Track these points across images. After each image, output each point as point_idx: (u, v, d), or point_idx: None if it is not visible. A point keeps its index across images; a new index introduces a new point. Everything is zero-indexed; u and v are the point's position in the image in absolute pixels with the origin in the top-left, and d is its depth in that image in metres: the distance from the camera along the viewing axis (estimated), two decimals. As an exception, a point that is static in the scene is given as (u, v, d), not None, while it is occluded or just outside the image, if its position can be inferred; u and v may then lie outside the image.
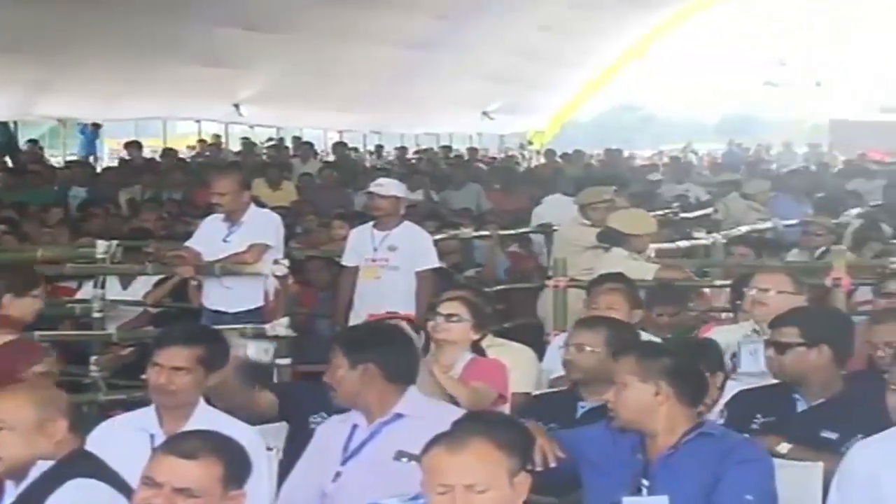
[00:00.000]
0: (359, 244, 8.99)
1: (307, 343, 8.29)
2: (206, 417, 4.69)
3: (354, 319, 8.37)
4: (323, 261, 9.97)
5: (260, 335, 7.72)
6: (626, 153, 27.62)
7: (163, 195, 14.70)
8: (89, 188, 15.42)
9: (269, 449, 4.86)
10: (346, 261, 9.05)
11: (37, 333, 6.90)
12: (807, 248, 9.89)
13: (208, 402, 4.85)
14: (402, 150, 26.94)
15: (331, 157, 22.54)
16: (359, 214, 10.63)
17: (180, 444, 3.63)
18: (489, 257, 11.08)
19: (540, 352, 6.77)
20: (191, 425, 4.58)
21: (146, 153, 21.75)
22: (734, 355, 5.80)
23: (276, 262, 8.34)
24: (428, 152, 26.67)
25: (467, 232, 11.21)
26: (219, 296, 8.36)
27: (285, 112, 26.91)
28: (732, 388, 5.33)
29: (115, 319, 9.08)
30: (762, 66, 58.39)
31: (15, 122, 22.54)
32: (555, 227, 10.66)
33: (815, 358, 4.93)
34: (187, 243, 8.62)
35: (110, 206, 13.52)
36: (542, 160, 25.60)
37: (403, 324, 5.28)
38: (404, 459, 4.41)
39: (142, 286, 9.43)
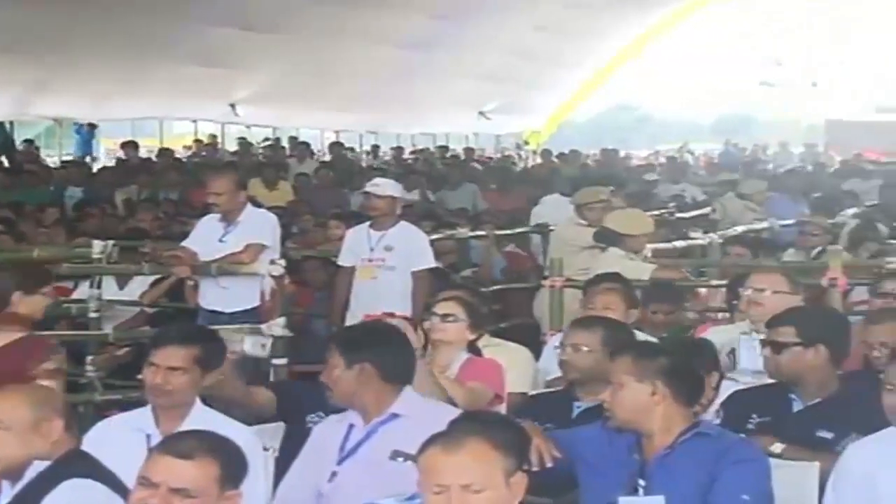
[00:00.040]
0: (355, 244, 8.99)
1: (303, 343, 8.28)
2: (202, 417, 4.68)
3: (351, 319, 8.37)
4: (319, 261, 9.97)
5: (256, 334, 7.71)
6: (622, 153, 27.62)
7: (159, 195, 14.70)
8: (85, 188, 15.43)
9: (265, 449, 4.86)
10: (343, 261, 9.05)
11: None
12: (803, 248, 9.89)
13: (204, 402, 4.84)
14: (399, 150, 26.95)
15: (327, 157, 22.54)
16: (355, 214, 10.62)
17: (176, 445, 3.63)
18: (485, 257, 11.08)
19: (536, 352, 6.77)
20: (187, 425, 4.58)
21: (142, 153, 21.75)
22: (731, 352, 5.80)
23: (272, 262, 8.34)
24: (424, 152, 26.67)
25: (463, 232, 11.21)
26: (215, 296, 8.36)
27: (282, 112, 26.91)
28: (728, 388, 5.33)
29: (112, 319, 9.08)
30: (758, 66, 58.43)
31: (11, 122, 22.53)
32: (551, 227, 10.66)
33: (811, 358, 4.93)
34: (183, 243, 8.62)
35: (106, 206, 13.51)
36: (539, 160, 25.60)
37: (405, 323, 5.28)
38: (400, 459, 4.41)
39: (138, 286, 9.43)
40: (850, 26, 56.65)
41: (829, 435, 4.76)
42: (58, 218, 12.25)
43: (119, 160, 20.70)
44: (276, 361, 7.70)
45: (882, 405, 4.30)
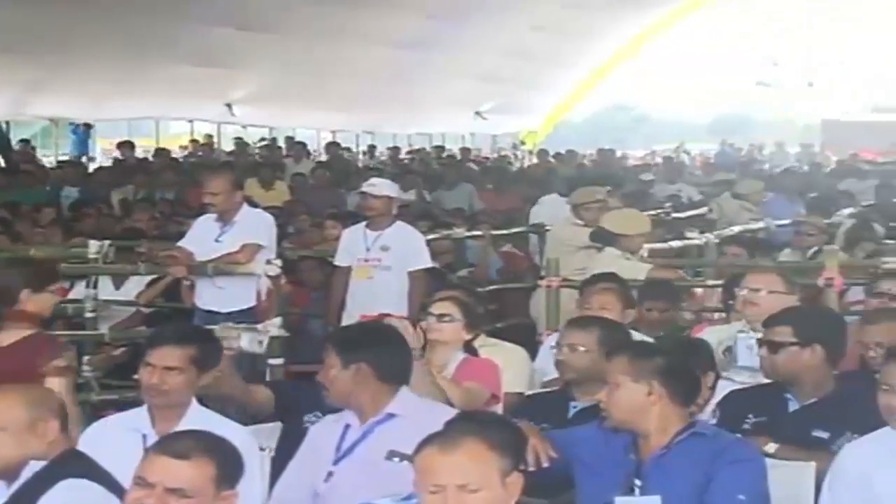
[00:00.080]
0: (351, 244, 8.99)
1: (300, 343, 8.27)
2: (198, 418, 4.68)
3: (347, 319, 8.37)
4: (315, 261, 9.97)
5: (253, 330, 7.71)
6: (618, 153, 27.63)
7: (155, 195, 14.69)
8: (81, 188, 15.41)
9: (261, 449, 4.85)
10: (339, 261, 9.05)
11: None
12: (799, 248, 9.89)
13: (201, 402, 4.84)
14: (395, 150, 26.95)
15: (323, 157, 22.53)
16: (351, 214, 10.62)
17: (173, 445, 3.63)
18: (482, 257, 11.08)
19: (532, 352, 6.77)
20: (183, 425, 4.57)
21: (139, 153, 21.75)
22: (727, 350, 5.80)
23: (268, 262, 8.34)
24: (421, 152, 26.68)
25: (460, 232, 11.20)
26: (211, 296, 8.36)
27: (278, 112, 26.93)
28: (725, 388, 5.33)
29: (108, 319, 9.07)
30: (755, 66, 58.50)
31: (7, 122, 22.52)
32: (547, 227, 10.66)
33: (807, 357, 4.93)
34: (180, 243, 8.61)
35: (102, 205, 13.51)
36: (535, 160, 25.61)
37: (405, 323, 5.28)
38: (396, 459, 4.41)
39: (134, 286, 9.42)
40: (846, 26, 56.70)
41: (825, 435, 4.77)
42: (54, 218, 12.23)
43: (116, 160, 20.69)
44: (272, 361, 7.69)
45: (878, 405, 4.31)
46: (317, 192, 15.45)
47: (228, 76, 24.73)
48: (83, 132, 24.13)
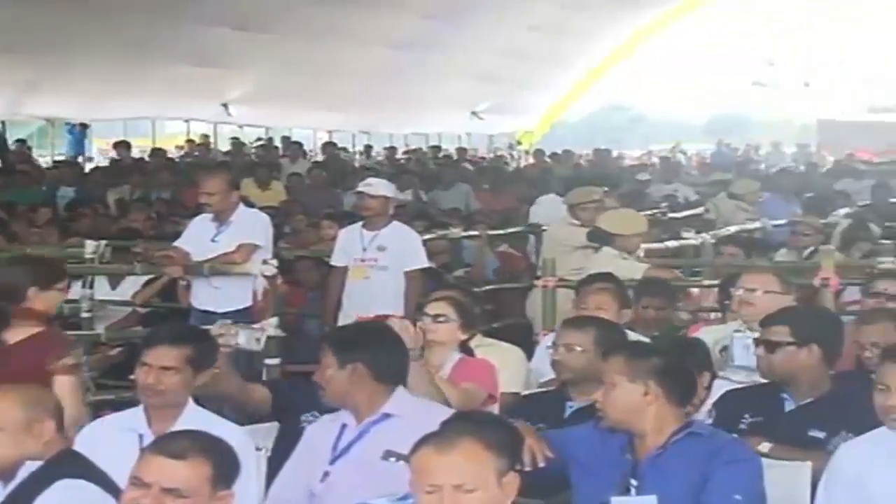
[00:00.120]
0: (348, 244, 8.99)
1: (296, 343, 8.28)
2: (194, 417, 4.68)
3: (343, 319, 8.37)
4: (312, 261, 9.97)
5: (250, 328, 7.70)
6: (615, 153, 27.63)
7: (151, 195, 14.69)
8: (77, 188, 15.41)
9: (257, 449, 4.85)
10: (335, 261, 9.05)
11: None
12: (795, 248, 9.90)
13: (197, 402, 4.84)
14: (392, 150, 26.94)
15: (320, 157, 22.52)
16: (348, 214, 10.62)
17: (169, 445, 3.63)
18: (478, 257, 11.08)
19: (529, 352, 6.77)
20: (179, 425, 4.57)
21: (135, 153, 21.73)
22: (724, 349, 5.80)
23: (264, 261, 8.34)
24: (417, 152, 26.67)
25: (456, 232, 11.21)
26: (207, 296, 8.36)
27: (274, 112, 26.91)
28: (721, 387, 5.33)
29: (104, 319, 9.07)
30: (751, 66, 58.54)
31: (3, 122, 22.53)
32: (544, 227, 10.66)
33: (804, 357, 4.94)
34: (176, 243, 8.61)
35: (99, 205, 13.51)
36: (531, 160, 25.61)
37: (406, 323, 5.28)
38: (392, 459, 4.42)
39: (130, 286, 9.42)
40: (843, 26, 56.71)
41: (821, 434, 4.77)
42: (50, 218, 12.23)
43: (112, 160, 20.68)
44: (268, 361, 7.70)
45: (874, 405, 4.31)
46: (313, 192, 15.45)
47: (225, 76, 24.71)
48: (79, 132, 24.12)
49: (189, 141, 26.36)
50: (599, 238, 8.68)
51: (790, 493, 4.56)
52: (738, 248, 9.60)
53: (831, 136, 35.46)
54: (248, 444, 4.66)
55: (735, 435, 4.67)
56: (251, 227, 8.49)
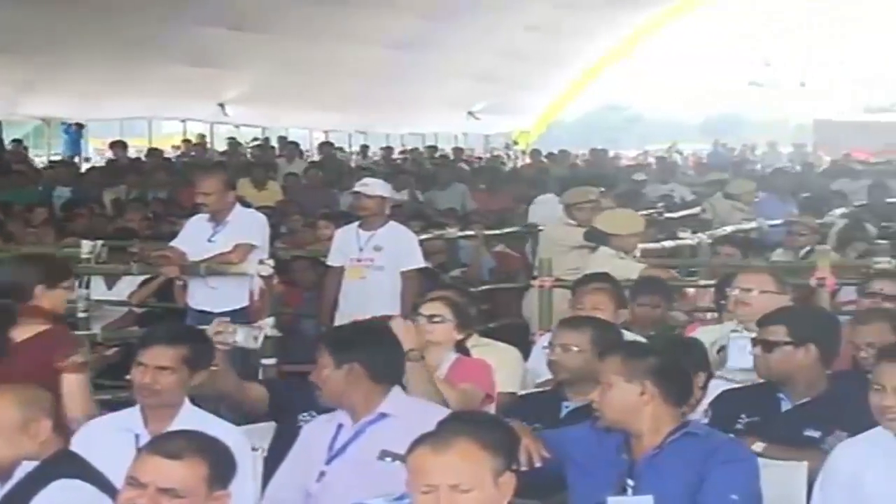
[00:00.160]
0: (344, 244, 8.99)
1: (292, 343, 8.28)
2: (190, 417, 4.68)
3: (340, 319, 8.36)
4: (308, 261, 9.97)
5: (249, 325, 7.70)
6: (611, 153, 27.64)
7: (148, 195, 14.67)
8: (74, 188, 15.41)
9: (254, 449, 4.85)
10: (332, 261, 9.04)
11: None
12: (791, 248, 9.91)
13: (193, 402, 4.84)
14: (388, 150, 26.94)
15: (316, 157, 22.52)
16: (344, 214, 10.62)
17: (165, 445, 3.63)
18: (474, 257, 11.08)
19: (525, 352, 6.77)
20: (176, 425, 4.57)
21: (131, 153, 21.72)
22: (721, 349, 5.80)
23: (261, 261, 8.34)
24: (413, 152, 26.67)
25: (452, 232, 11.21)
26: (204, 296, 8.35)
27: (271, 112, 26.91)
28: (717, 387, 5.33)
29: (100, 319, 9.07)
30: (747, 66, 58.60)
31: (-1, 122, 22.51)
32: (540, 228, 10.66)
33: (801, 357, 4.94)
34: (172, 243, 8.60)
35: (95, 205, 13.49)
36: (528, 160, 25.61)
37: (409, 323, 5.29)
38: (388, 459, 4.42)
39: (126, 286, 9.42)
40: (839, 27, 56.79)
41: (816, 434, 4.78)
42: (46, 218, 12.22)
43: (108, 160, 20.67)
44: (265, 361, 7.70)
45: (870, 405, 4.31)
46: (309, 192, 15.44)
47: (221, 76, 24.71)
48: (75, 132, 24.11)
49: (185, 141, 26.36)
50: (596, 238, 8.68)
51: (786, 492, 4.56)
52: (734, 248, 9.60)
53: (828, 137, 35.46)
54: (245, 443, 4.66)
55: (731, 435, 4.67)
56: (247, 227, 8.49)
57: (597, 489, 4.22)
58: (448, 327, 5.81)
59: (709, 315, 7.67)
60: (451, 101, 30.78)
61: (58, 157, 22.29)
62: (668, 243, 10.10)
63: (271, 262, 8.43)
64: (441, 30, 26.46)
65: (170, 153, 23.96)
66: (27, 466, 3.99)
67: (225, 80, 25.09)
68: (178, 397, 4.77)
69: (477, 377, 5.74)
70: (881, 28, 52.01)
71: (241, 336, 5.25)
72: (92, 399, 5.35)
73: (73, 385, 5.31)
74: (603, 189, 11.35)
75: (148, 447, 3.71)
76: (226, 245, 8.36)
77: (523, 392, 6.01)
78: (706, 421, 4.88)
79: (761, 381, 5.11)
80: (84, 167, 20.34)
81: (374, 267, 8.82)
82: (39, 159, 22.21)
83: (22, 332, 5.50)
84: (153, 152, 20.84)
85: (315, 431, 4.70)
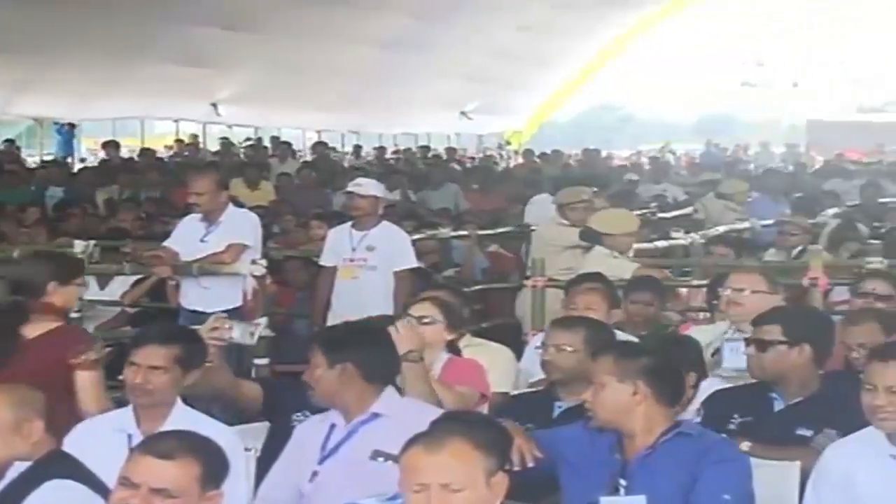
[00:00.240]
0: (337, 244, 8.99)
1: (285, 343, 8.27)
2: (183, 417, 4.68)
3: (332, 319, 8.36)
4: (301, 261, 9.96)
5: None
6: (604, 153, 27.65)
7: (140, 195, 14.66)
8: (66, 188, 15.38)
9: (246, 449, 4.85)
10: (325, 261, 9.04)
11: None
12: (783, 248, 9.91)
13: (186, 402, 4.84)
14: (381, 150, 26.94)
15: (309, 157, 22.52)
16: (337, 214, 10.62)
17: (157, 445, 3.63)
18: (467, 257, 11.08)
19: (518, 352, 6.77)
20: (168, 425, 4.57)
21: (124, 153, 21.70)
22: (716, 352, 5.81)
23: (253, 261, 8.34)
24: (406, 152, 26.67)
25: (445, 232, 11.21)
26: (197, 296, 8.34)
27: (264, 112, 26.90)
28: (711, 387, 5.33)
29: (93, 319, 9.05)
30: (740, 66, 58.65)
31: (-8, 122, 22.49)
32: (532, 228, 10.66)
33: (795, 357, 4.95)
34: (165, 243, 8.60)
35: (87, 205, 13.47)
36: (521, 160, 25.61)
37: (408, 325, 5.29)
38: (381, 459, 4.42)
39: (119, 286, 9.41)
40: (832, 27, 56.83)
41: (808, 433, 4.79)
42: (38, 218, 12.19)
43: (101, 160, 20.65)
44: (257, 361, 7.69)
45: (862, 405, 4.32)
46: (302, 192, 15.43)
47: (214, 76, 24.69)
48: (68, 132, 24.08)
49: (178, 141, 26.34)
50: (591, 237, 8.68)
51: (779, 492, 4.56)
52: (728, 248, 9.61)
53: (820, 137, 35.55)
54: (237, 443, 4.66)
55: (724, 435, 4.68)
56: (240, 227, 8.48)
57: (589, 489, 4.22)
58: (438, 328, 5.80)
59: (701, 315, 7.68)
60: (444, 101, 30.79)
61: (50, 157, 22.26)
62: (661, 243, 10.11)
63: (264, 262, 8.43)
64: (434, 30, 26.47)
65: (162, 153, 23.94)
66: (19, 467, 3.99)
67: (218, 80, 25.08)
68: (171, 397, 4.77)
69: (471, 378, 5.74)
70: (874, 28, 52.10)
71: (238, 332, 5.24)
72: (106, 395, 5.33)
73: (87, 382, 5.33)
74: (596, 189, 11.36)
75: (140, 447, 3.70)
76: (218, 245, 8.35)
77: (516, 392, 6.01)
78: (699, 420, 4.88)
79: (754, 381, 5.11)
80: (77, 167, 20.31)
81: (366, 267, 8.81)
82: (32, 159, 22.17)
83: (33, 329, 5.51)
84: (146, 152, 20.82)
85: (308, 431, 4.70)
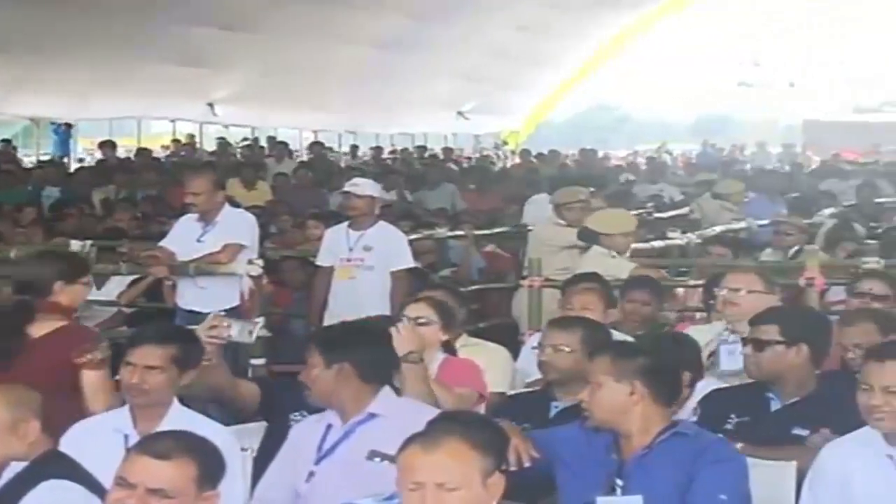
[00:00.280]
0: (334, 244, 8.99)
1: (282, 343, 8.28)
2: (179, 418, 4.68)
3: (329, 319, 8.36)
4: (298, 261, 9.96)
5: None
6: (600, 153, 27.66)
7: (137, 195, 14.65)
8: (63, 188, 15.37)
9: (243, 449, 4.85)
10: (321, 261, 9.04)
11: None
12: (780, 248, 9.92)
13: (182, 402, 4.84)
14: (378, 149, 26.94)
15: (306, 157, 22.52)
16: (334, 214, 10.62)
17: (154, 445, 3.62)
18: (464, 257, 11.09)
19: (514, 352, 6.77)
20: (164, 425, 4.57)
21: (120, 153, 21.69)
22: (712, 354, 5.81)
23: (250, 261, 8.33)
24: (403, 152, 26.67)
25: (442, 232, 11.21)
26: (193, 296, 8.34)
27: (260, 112, 26.88)
28: (707, 386, 5.32)
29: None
30: (737, 66, 58.70)
31: (-12, 122, 22.47)
32: (529, 228, 10.67)
33: (793, 357, 4.96)
34: (161, 243, 8.59)
35: (84, 205, 13.46)
36: (517, 160, 25.62)
37: (410, 326, 5.29)
38: (377, 459, 4.42)
39: (116, 286, 9.41)
40: (829, 28, 56.90)
41: (805, 433, 4.79)
42: (35, 218, 12.19)
43: (97, 160, 20.64)
44: (254, 361, 7.69)
45: (858, 405, 4.32)
46: (299, 192, 15.43)
47: (210, 76, 24.68)
48: (64, 132, 24.06)
49: (175, 141, 26.34)
50: (589, 237, 8.68)
51: (775, 492, 4.57)
52: (725, 249, 9.61)
53: (817, 137, 35.57)
54: (234, 444, 4.66)
55: (721, 435, 4.68)
56: (237, 227, 8.48)
57: (586, 489, 4.22)
58: (433, 329, 5.80)
59: (697, 315, 7.68)
60: (441, 101, 30.79)
61: (47, 157, 22.25)
62: (658, 243, 10.11)
63: (261, 262, 8.43)
64: (431, 30, 26.47)
65: (159, 153, 23.93)
66: (16, 467, 3.98)
67: (214, 80, 25.06)
68: (167, 397, 4.77)
69: (467, 377, 5.74)
70: (871, 29, 52.16)
71: (236, 330, 5.24)
72: (114, 394, 5.34)
73: (94, 381, 5.34)
74: (593, 189, 11.36)
75: (137, 447, 3.70)
76: (215, 245, 8.35)
77: (512, 392, 6.02)
78: (694, 419, 4.88)
79: (750, 381, 5.12)
80: (74, 167, 20.30)
81: (363, 267, 8.81)
82: (28, 159, 22.15)
83: (40, 328, 5.51)
84: (142, 152, 20.80)
85: (304, 431, 4.70)
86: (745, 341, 5.14)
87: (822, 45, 57.18)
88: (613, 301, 6.74)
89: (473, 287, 10.26)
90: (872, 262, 7.94)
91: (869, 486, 4.22)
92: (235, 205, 9.44)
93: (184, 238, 8.48)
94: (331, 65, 25.46)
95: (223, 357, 5.33)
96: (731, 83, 57.98)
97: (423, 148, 27.60)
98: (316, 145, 23.24)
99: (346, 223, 9.04)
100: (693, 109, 60.21)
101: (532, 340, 6.49)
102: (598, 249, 8.51)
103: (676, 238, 10.42)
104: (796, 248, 9.60)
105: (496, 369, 6.21)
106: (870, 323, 5.45)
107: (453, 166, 22.22)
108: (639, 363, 4.31)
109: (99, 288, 9.39)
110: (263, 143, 24.87)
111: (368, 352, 4.67)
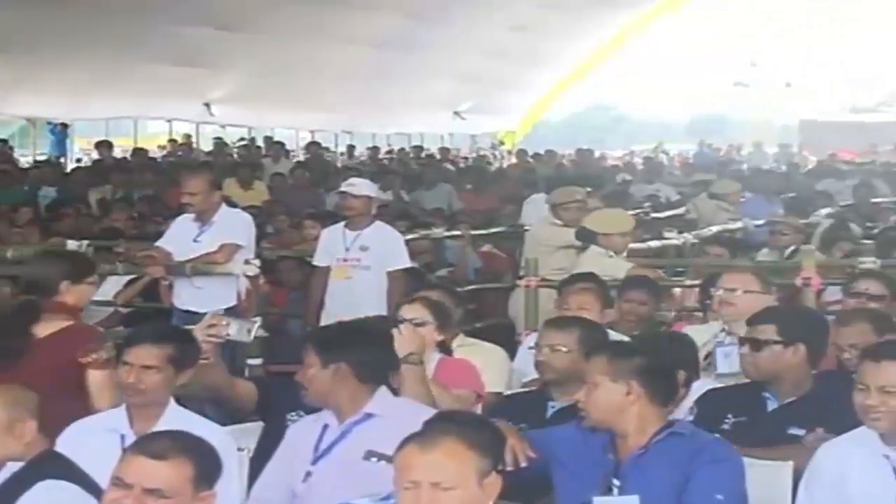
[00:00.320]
0: (330, 244, 8.99)
1: (278, 343, 8.27)
2: (176, 418, 4.68)
3: (326, 319, 8.35)
4: (294, 261, 9.96)
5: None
6: (597, 153, 27.67)
7: (133, 195, 14.65)
8: (59, 188, 15.37)
9: (239, 449, 4.85)
10: (318, 261, 9.04)
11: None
12: (776, 248, 9.93)
13: (178, 402, 4.84)
14: (374, 149, 26.94)
15: (302, 157, 22.52)
16: (330, 214, 10.62)
17: (150, 445, 3.62)
18: (461, 257, 11.09)
19: (511, 352, 6.77)
20: (161, 425, 4.57)
21: (117, 153, 21.68)
22: (708, 355, 5.81)
23: (247, 262, 8.33)
24: (399, 152, 26.67)
25: (439, 232, 11.21)
26: (190, 296, 8.34)
27: (257, 112, 26.89)
28: (703, 387, 5.33)
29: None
30: (733, 66, 58.69)
31: (-15, 122, 22.46)
32: (526, 228, 10.67)
33: (790, 356, 4.96)
34: (158, 243, 8.59)
35: (80, 205, 13.46)
36: (514, 160, 25.63)
37: (411, 327, 5.29)
38: (374, 459, 4.42)
39: (112, 286, 9.39)
40: (825, 28, 56.94)
41: (801, 432, 4.79)
42: (31, 218, 12.18)
43: (94, 160, 20.63)
44: (251, 361, 7.69)
45: (854, 404, 4.32)
46: (296, 192, 15.43)
47: (207, 76, 24.68)
48: (61, 132, 24.05)
49: (171, 141, 26.34)
50: (587, 237, 8.69)
51: (772, 492, 4.57)
52: (722, 248, 9.61)
53: (813, 137, 35.60)
54: (230, 444, 4.66)
55: (717, 435, 4.68)
56: (233, 227, 8.48)
57: (583, 489, 4.22)
58: (429, 329, 5.79)
59: (694, 315, 7.68)
60: (438, 101, 30.80)
61: (43, 157, 22.24)
62: (654, 243, 10.12)
63: (257, 262, 8.43)
64: (427, 30, 26.48)
65: (155, 153, 23.92)
66: (12, 467, 3.98)
67: (211, 80, 25.07)
68: (164, 397, 4.76)
69: (464, 377, 5.74)
70: (867, 29, 52.18)
71: (235, 329, 5.23)
72: (119, 394, 5.34)
73: (100, 381, 5.35)
74: (589, 189, 11.36)
75: (133, 447, 3.70)
76: (211, 245, 8.35)
77: (509, 392, 6.02)
78: (691, 418, 4.88)
79: (747, 381, 5.12)
80: (70, 167, 20.29)
81: (360, 267, 8.81)
82: (25, 159, 22.13)
83: (45, 328, 5.51)
84: (139, 152, 20.80)
85: (301, 431, 4.70)
86: (742, 341, 5.14)
87: (818, 46, 57.26)
88: (610, 301, 6.74)
89: (470, 287, 10.25)
90: (869, 262, 7.94)
91: (865, 485, 4.23)
92: (232, 205, 9.44)
93: (180, 238, 8.48)
94: (327, 65, 25.47)
95: (221, 356, 5.33)
96: (728, 83, 57.95)
97: (419, 148, 27.60)
98: (312, 145, 23.24)
99: (342, 223, 9.03)
100: (690, 109, 60.25)
101: (529, 340, 6.49)
102: (596, 249, 8.51)
103: (673, 238, 10.43)
104: (793, 248, 9.61)
105: (493, 369, 6.21)
106: (866, 323, 5.45)
107: (450, 166, 22.22)
108: (635, 363, 4.31)
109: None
110: (260, 143, 24.87)
111: (365, 352, 4.67)
